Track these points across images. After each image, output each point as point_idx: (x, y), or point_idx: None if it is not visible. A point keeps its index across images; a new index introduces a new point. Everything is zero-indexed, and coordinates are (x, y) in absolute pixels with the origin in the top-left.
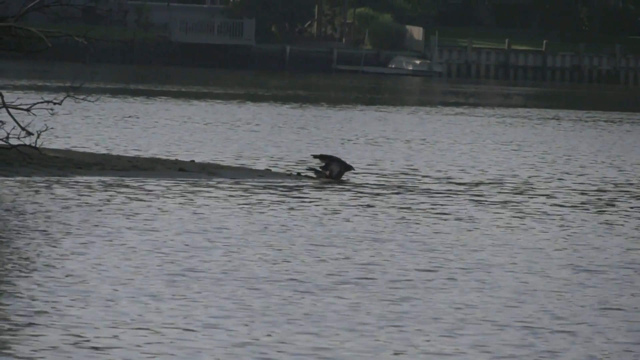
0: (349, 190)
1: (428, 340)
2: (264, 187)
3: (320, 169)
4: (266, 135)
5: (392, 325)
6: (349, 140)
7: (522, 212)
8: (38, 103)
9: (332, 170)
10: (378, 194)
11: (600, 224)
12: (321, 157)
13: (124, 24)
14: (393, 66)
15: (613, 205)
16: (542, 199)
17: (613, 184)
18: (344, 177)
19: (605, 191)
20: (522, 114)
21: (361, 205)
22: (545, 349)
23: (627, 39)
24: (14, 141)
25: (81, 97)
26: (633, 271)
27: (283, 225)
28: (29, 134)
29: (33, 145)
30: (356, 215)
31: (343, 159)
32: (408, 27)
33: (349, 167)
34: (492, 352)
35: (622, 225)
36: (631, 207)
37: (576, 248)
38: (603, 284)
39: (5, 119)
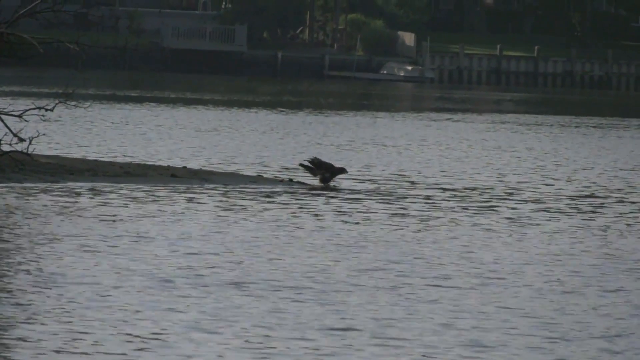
0: (336, 196)
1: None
2: (256, 193)
3: (311, 166)
4: (257, 141)
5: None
6: (338, 146)
7: (503, 218)
8: (30, 109)
9: (323, 173)
10: (361, 200)
11: (583, 229)
12: (316, 161)
13: (115, 30)
14: (385, 72)
15: (597, 211)
16: (526, 204)
17: (599, 189)
18: (334, 182)
19: (590, 197)
20: (512, 119)
21: (343, 212)
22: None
23: (619, 44)
24: (5, 147)
25: (73, 103)
26: (612, 276)
27: (264, 230)
28: (21, 140)
29: (25, 151)
30: (340, 221)
31: (333, 163)
32: (400, 33)
33: (341, 171)
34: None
35: (604, 230)
36: (615, 213)
37: (555, 254)
38: (582, 290)
39: None
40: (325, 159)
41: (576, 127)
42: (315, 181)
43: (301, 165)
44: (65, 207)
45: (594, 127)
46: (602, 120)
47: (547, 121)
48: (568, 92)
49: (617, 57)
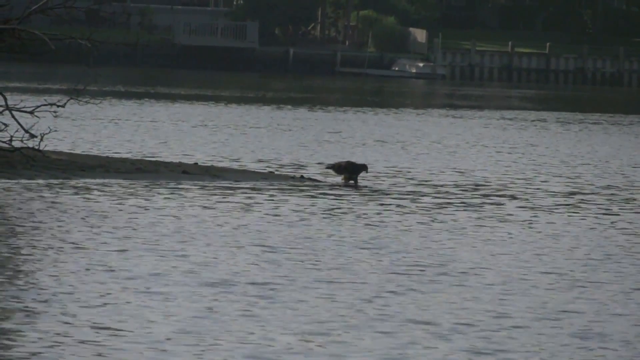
0: (344, 192)
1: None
2: (267, 189)
3: (334, 167)
4: (268, 137)
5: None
6: (346, 142)
7: (494, 215)
8: (41, 105)
9: (350, 174)
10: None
11: (573, 226)
12: (336, 167)
13: (127, 27)
14: (396, 69)
15: (588, 208)
16: (518, 202)
17: (596, 186)
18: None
19: (584, 193)
20: (522, 116)
21: (338, 209)
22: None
23: (631, 41)
24: (17, 144)
25: (84, 99)
26: (593, 273)
27: (264, 227)
28: (33, 136)
29: (36, 147)
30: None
31: (355, 161)
32: (411, 29)
33: (363, 168)
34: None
35: (594, 227)
36: (605, 210)
37: (542, 251)
38: (564, 287)
39: (8, 122)
40: (338, 156)
41: (586, 123)
42: (339, 178)
43: (327, 167)
44: (76, 203)
45: (605, 124)
46: (614, 117)
47: (558, 118)
48: (579, 89)
49: (628, 54)
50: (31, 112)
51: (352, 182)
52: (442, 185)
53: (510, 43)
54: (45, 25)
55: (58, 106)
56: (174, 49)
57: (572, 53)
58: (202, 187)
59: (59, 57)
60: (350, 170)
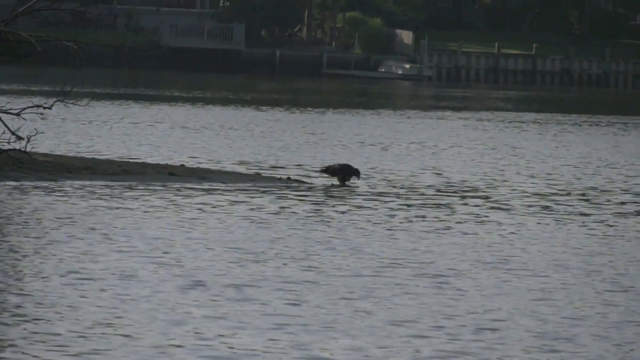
0: (329, 194)
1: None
2: (253, 191)
3: (326, 169)
4: (255, 139)
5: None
6: (335, 144)
7: (460, 215)
8: (28, 107)
9: (343, 175)
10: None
11: (544, 226)
12: (330, 170)
13: (114, 29)
14: (383, 70)
15: (561, 209)
16: (492, 202)
17: (573, 187)
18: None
19: (560, 195)
20: (507, 118)
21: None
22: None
23: (617, 42)
24: (4, 146)
25: (71, 101)
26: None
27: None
28: (19, 138)
29: (23, 149)
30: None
31: (351, 164)
32: (398, 31)
33: (355, 172)
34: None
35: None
36: (579, 211)
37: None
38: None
39: None
40: (324, 157)
41: (568, 124)
42: (334, 180)
43: (320, 171)
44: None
45: (591, 125)
46: (600, 118)
47: (544, 119)
48: (566, 90)
49: (615, 55)
50: (18, 114)
51: (340, 182)
52: (419, 187)
53: (496, 44)
54: (31, 27)
55: (45, 108)
56: (160, 50)
57: (558, 54)
58: (188, 189)
59: (46, 58)
60: (345, 172)
